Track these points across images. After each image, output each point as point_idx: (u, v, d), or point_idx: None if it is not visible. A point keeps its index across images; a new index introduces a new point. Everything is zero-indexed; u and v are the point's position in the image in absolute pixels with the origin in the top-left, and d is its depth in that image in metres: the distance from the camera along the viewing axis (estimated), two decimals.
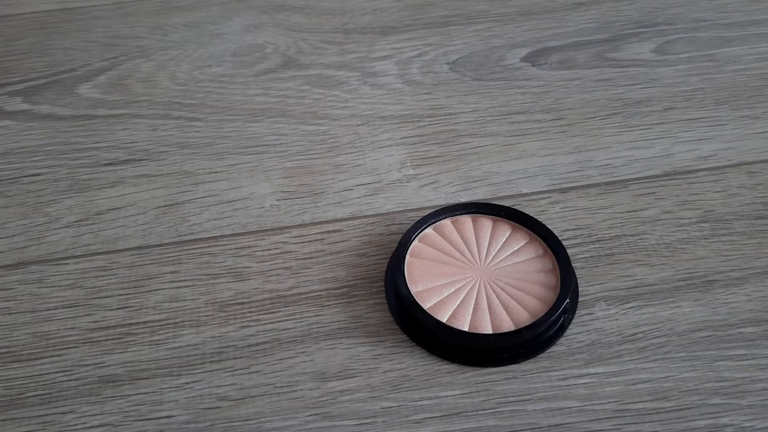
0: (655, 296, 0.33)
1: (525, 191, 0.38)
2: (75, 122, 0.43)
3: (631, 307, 0.32)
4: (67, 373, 0.31)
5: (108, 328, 0.32)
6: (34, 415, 0.30)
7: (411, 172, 0.39)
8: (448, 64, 0.46)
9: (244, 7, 0.52)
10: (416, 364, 0.31)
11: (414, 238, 0.34)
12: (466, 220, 0.35)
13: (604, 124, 0.41)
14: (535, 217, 0.35)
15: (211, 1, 0.53)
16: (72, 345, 0.32)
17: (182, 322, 0.33)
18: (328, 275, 0.34)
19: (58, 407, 0.30)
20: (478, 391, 0.30)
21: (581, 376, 0.30)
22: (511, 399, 0.29)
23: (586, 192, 0.37)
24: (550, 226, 0.35)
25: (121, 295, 0.34)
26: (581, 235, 0.35)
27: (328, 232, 0.36)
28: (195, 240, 0.36)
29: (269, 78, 0.46)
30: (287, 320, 0.32)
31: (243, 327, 0.32)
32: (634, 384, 0.30)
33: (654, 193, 0.37)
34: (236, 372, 0.31)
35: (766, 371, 0.30)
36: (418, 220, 0.34)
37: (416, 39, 0.49)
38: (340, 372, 0.30)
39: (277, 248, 0.35)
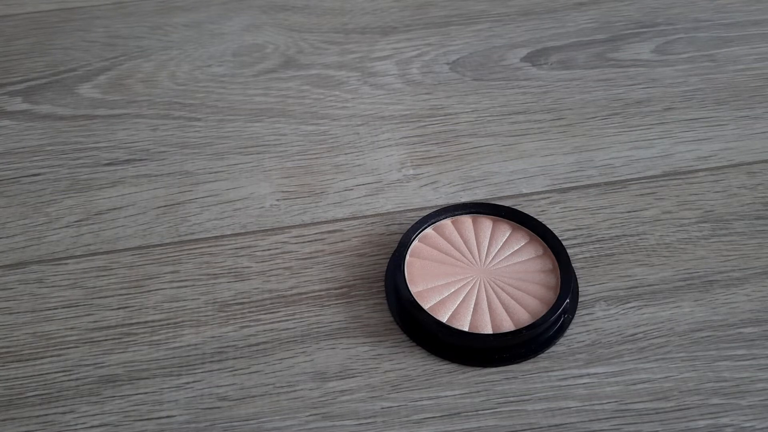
0: (655, 296, 0.33)
1: (525, 191, 0.38)
2: (75, 122, 0.43)
3: (631, 307, 0.32)
4: (67, 373, 0.31)
5: (108, 328, 0.32)
6: (34, 415, 0.30)
7: (411, 172, 0.39)
8: (448, 64, 0.46)
9: (244, 7, 0.52)
10: (416, 364, 0.31)
11: (414, 238, 0.34)
12: (466, 220, 0.35)
13: (604, 124, 0.41)
14: (535, 217, 0.35)
15: (211, 1, 0.53)
16: (72, 345, 0.32)
17: (182, 322, 0.33)
18: (328, 275, 0.34)
19: (58, 407, 0.30)
20: (478, 391, 0.30)
21: (581, 376, 0.30)
22: (511, 399, 0.29)
23: (586, 192, 0.37)
24: (550, 226, 0.35)
25: (121, 295, 0.34)
26: (581, 235, 0.35)
27: (328, 232, 0.36)
28: (195, 240, 0.36)
29: (269, 78, 0.46)
30: (287, 320, 0.32)
31: (243, 327, 0.32)
32: (634, 384, 0.30)
33: (654, 193, 0.37)
34: (236, 372, 0.31)
35: (766, 371, 0.30)
36: (418, 220, 0.34)
37: (416, 39, 0.49)
38: (340, 372, 0.30)
39: (277, 248, 0.35)
